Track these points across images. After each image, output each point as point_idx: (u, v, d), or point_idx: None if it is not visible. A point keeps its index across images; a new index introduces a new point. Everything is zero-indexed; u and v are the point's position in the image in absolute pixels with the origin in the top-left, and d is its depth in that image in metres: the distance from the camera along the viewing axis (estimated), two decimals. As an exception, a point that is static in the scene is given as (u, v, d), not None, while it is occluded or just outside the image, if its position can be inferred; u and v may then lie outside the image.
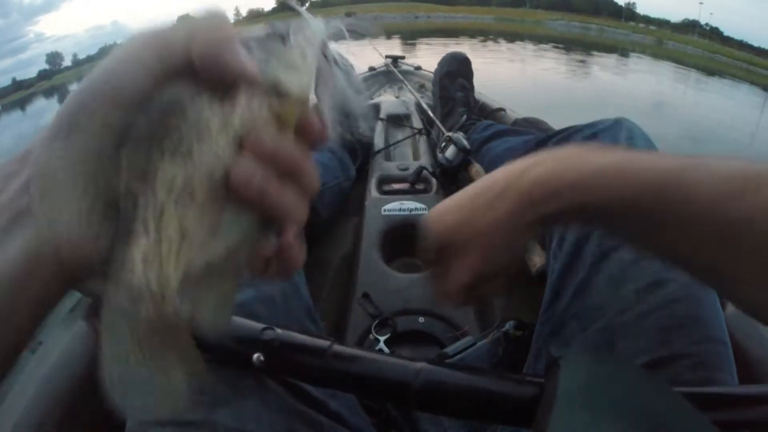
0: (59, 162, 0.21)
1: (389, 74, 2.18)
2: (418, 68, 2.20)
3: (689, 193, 0.33)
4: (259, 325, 0.42)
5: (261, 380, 0.43)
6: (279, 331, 0.42)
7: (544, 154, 0.40)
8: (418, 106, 1.58)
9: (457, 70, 1.42)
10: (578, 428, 0.28)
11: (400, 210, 0.99)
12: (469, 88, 1.42)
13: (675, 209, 0.33)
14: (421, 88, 1.97)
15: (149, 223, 0.21)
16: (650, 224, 0.35)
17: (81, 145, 0.21)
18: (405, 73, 2.15)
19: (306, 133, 0.25)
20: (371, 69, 2.20)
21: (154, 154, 0.22)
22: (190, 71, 0.22)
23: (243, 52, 0.23)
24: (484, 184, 0.44)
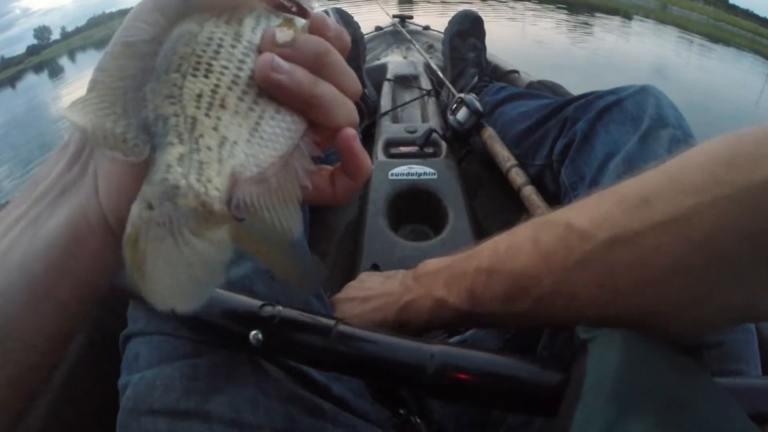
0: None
1: (397, 34, 2.11)
2: (427, 28, 2.13)
3: (483, 304, 0.42)
4: (257, 301, 0.38)
5: (258, 365, 0.40)
6: (279, 307, 0.38)
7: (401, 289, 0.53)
8: (427, 66, 1.52)
9: (468, 30, 1.36)
10: (606, 423, 0.25)
11: (408, 174, 0.94)
12: (481, 48, 1.36)
13: (482, 315, 0.43)
14: (430, 48, 1.90)
15: (183, 135, 0.22)
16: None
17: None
18: (413, 32, 2.08)
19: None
20: (378, 29, 2.13)
21: (175, 80, 0.22)
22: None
23: None
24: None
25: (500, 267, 0.40)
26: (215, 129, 0.22)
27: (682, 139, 0.58)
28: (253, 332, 0.37)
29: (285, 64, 0.22)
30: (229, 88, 0.22)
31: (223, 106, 0.22)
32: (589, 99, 0.73)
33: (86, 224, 0.23)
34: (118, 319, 0.44)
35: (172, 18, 0.23)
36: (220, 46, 0.23)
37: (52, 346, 0.25)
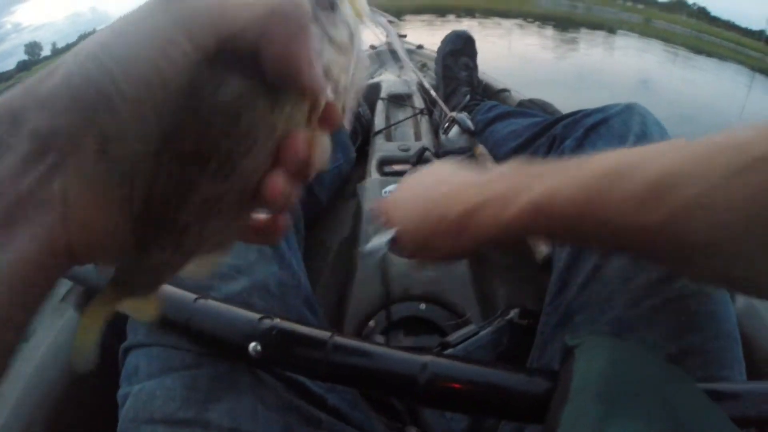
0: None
1: (391, 53, 2.14)
2: (420, 47, 2.16)
3: (605, 209, 0.35)
4: (256, 314, 0.40)
5: (256, 375, 0.42)
6: (277, 320, 0.40)
7: (487, 189, 0.42)
8: (420, 85, 1.55)
9: (460, 49, 1.39)
10: (593, 422, 0.27)
11: None
12: (473, 67, 1.39)
13: (597, 226, 0.36)
14: (423, 67, 1.93)
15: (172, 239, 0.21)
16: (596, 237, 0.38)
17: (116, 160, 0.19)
18: (406, 51, 2.11)
19: (328, 122, 0.24)
20: (372, 47, 2.16)
21: (195, 174, 0.20)
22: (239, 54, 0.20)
23: (317, 57, 0.21)
24: (439, 199, 0.45)
25: (636, 166, 0.35)
26: (200, 233, 0.21)
27: None
28: (252, 344, 0.38)
29: (290, 192, 0.23)
30: (234, 199, 0.21)
31: (219, 212, 0.21)
32: (576, 117, 0.75)
33: (51, 258, 0.19)
34: (116, 332, 0.46)
35: (206, 54, 0.19)
36: (254, 143, 0.20)
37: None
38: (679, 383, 0.32)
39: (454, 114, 1.08)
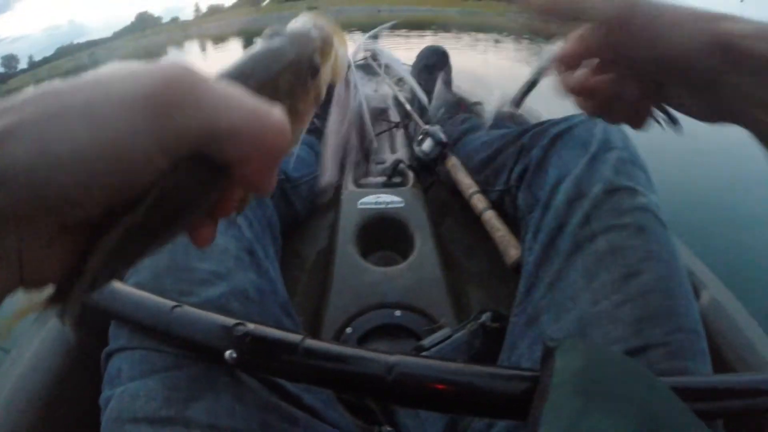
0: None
1: (367, 68, 2.17)
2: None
3: None
4: (231, 320, 0.42)
5: (234, 375, 0.43)
6: (251, 326, 0.41)
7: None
8: (396, 99, 1.58)
9: (435, 64, 1.43)
10: (573, 413, 0.29)
11: (376, 203, 0.98)
12: (447, 81, 1.42)
13: None
14: (399, 81, 1.97)
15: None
16: None
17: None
18: (383, 66, 2.14)
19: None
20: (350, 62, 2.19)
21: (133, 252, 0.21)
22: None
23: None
24: None
25: None
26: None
27: (628, 160, 0.62)
28: (228, 351, 0.40)
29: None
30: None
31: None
32: (543, 127, 0.78)
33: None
34: (97, 338, 0.47)
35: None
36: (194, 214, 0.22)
37: None
38: (648, 382, 0.34)
39: (427, 127, 1.11)
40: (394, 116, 1.53)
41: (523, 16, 0.37)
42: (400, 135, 1.40)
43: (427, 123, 1.23)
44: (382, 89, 1.86)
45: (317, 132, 1.29)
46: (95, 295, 0.50)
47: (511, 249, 0.79)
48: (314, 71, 0.27)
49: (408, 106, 1.37)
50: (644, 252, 0.52)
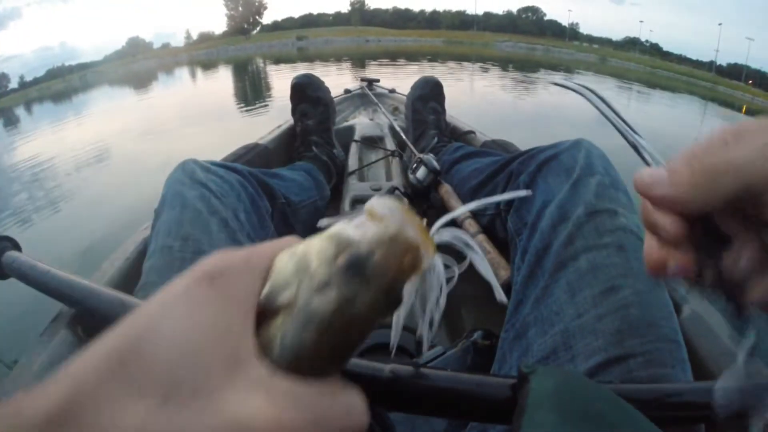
0: None
1: (364, 96, 2.23)
2: (392, 91, 2.26)
3: None
4: None
5: None
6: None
7: None
8: (392, 128, 1.62)
9: (429, 94, 1.47)
10: (549, 426, 0.32)
11: None
12: (441, 111, 1.47)
13: None
14: (395, 110, 2.02)
15: None
16: None
17: None
18: (379, 95, 2.20)
19: None
20: (347, 91, 2.25)
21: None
22: None
23: None
24: None
25: None
26: None
27: (609, 184, 0.65)
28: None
29: None
30: None
31: None
32: (531, 153, 0.81)
33: None
34: None
35: None
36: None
37: None
38: (611, 401, 0.37)
39: (421, 155, 1.16)
40: (390, 144, 1.57)
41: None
42: (395, 163, 1.44)
43: (421, 151, 1.28)
44: (378, 118, 1.91)
45: (315, 159, 1.33)
46: (103, 307, 0.53)
47: (501, 270, 0.83)
48: (395, 304, 0.25)
49: (403, 135, 1.41)
50: (624, 269, 0.55)
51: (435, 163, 1.12)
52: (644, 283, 0.54)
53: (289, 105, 1.46)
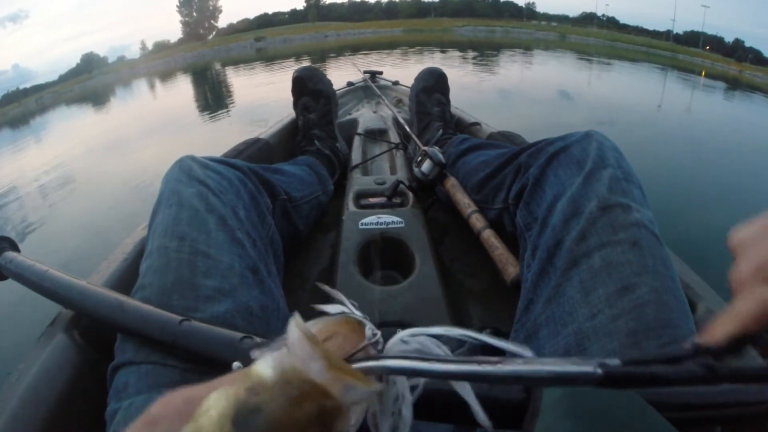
0: None
1: (367, 89, 2.21)
2: (396, 83, 2.24)
3: None
4: (239, 335, 0.43)
5: None
6: (258, 340, 0.42)
7: None
8: (395, 120, 1.60)
9: (433, 86, 1.45)
10: (564, 430, 0.30)
11: (377, 223, 1.00)
12: (446, 102, 1.45)
13: None
14: (399, 102, 2.00)
15: None
16: None
17: None
18: (382, 87, 2.18)
19: None
20: (350, 84, 2.23)
21: None
22: None
23: None
24: None
25: None
26: None
27: (622, 177, 0.63)
28: (235, 363, 0.41)
29: None
30: None
31: None
32: (540, 146, 0.79)
33: None
34: (102, 353, 0.48)
35: None
36: None
37: None
38: (632, 404, 0.35)
39: (426, 148, 1.13)
40: (394, 137, 1.55)
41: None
42: (399, 156, 1.42)
43: (426, 144, 1.25)
44: (382, 110, 1.89)
45: (317, 153, 1.31)
46: (100, 309, 0.52)
47: (510, 267, 0.81)
48: None
49: (407, 128, 1.39)
50: (639, 266, 0.53)
51: (440, 156, 1.10)
52: (660, 282, 0.52)
53: (248, 107, 1.44)
